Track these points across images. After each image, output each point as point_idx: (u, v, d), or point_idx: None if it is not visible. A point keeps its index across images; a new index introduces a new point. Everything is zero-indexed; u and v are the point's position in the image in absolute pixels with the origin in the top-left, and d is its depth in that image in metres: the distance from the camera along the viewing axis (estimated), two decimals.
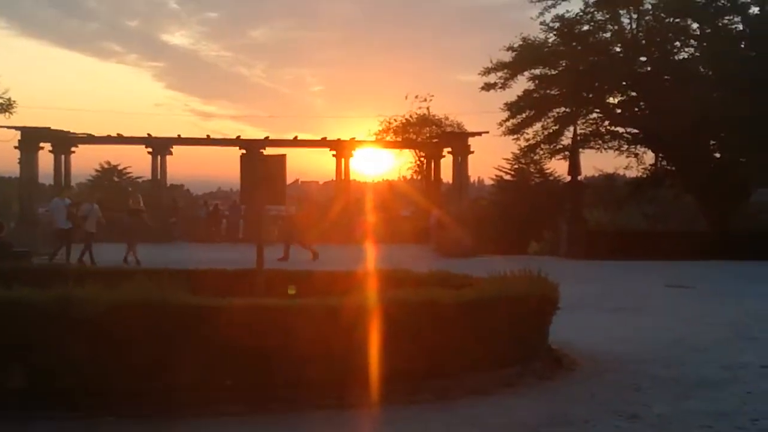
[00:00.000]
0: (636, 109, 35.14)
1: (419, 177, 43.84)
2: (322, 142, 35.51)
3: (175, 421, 6.89)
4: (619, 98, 35.67)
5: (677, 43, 34.48)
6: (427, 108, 43.11)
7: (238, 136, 35.18)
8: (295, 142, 35.12)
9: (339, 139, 35.07)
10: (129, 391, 7.00)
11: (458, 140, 33.10)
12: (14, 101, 35.45)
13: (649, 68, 34.00)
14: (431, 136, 41.23)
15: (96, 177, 55.84)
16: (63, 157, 34.52)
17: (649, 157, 36.20)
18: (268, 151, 24.94)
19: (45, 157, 33.10)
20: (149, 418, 6.90)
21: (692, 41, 34.38)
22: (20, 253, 16.07)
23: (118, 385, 6.99)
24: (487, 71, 34.70)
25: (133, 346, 7.02)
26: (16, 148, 31.77)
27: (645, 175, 36.65)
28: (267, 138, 34.79)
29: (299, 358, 7.35)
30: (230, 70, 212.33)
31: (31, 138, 31.74)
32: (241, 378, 7.35)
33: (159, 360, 7.11)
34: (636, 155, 36.21)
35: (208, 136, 36.10)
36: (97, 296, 7.14)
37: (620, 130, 35.73)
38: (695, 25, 33.74)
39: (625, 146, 35.85)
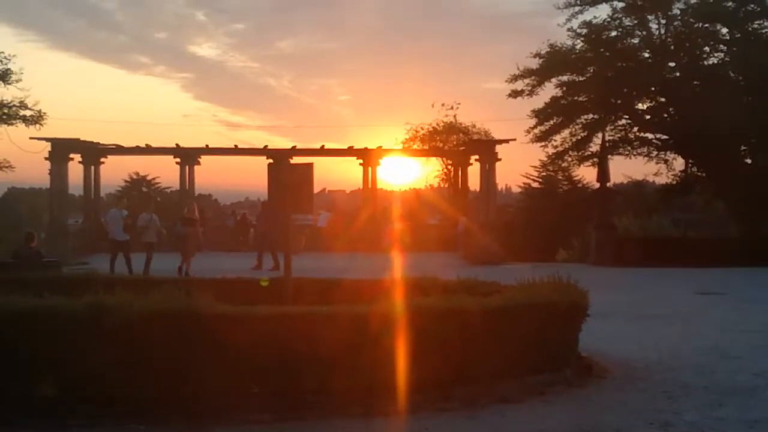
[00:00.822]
0: (665, 115, 34.86)
1: (446, 185, 43.81)
2: (349, 151, 35.57)
3: (203, 428, 6.91)
4: (648, 104, 35.42)
5: (707, 48, 34.20)
6: (454, 116, 43.16)
7: (266, 146, 35.33)
8: (322, 151, 35.21)
9: (366, 148, 35.11)
10: (158, 399, 7.03)
11: (485, 148, 32.98)
12: (44, 113, 36.07)
13: (678, 74, 33.72)
14: (458, 144, 41.21)
15: (125, 187, 56.36)
16: (92, 168, 34.87)
17: (678, 163, 35.91)
18: (295, 160, 25.00)
19: (75, 168, 33.47)
20: (177, 426, 6.92)
21: (722, 46, 34.08)
22: (50, 263, 16.21)
23: (147, 392, 7.02)
24: (514, 78, 34.61)
25: (162, 353, 7.06)
26: (46, 159, 32.14)
27: (675, 182, 36.32)
28: (294, 147, 34.92)
29: (326, 365, 7.33)
30: (257, 80, 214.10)
31: (61, 149, 32.09)
32: (268, 385, 7.35)
33: (187, 367, 7.14)
34: (666, 161, 35.93)
35: (235, 146, 36.31)
36: (127, 304, 7.20)
37: (649, 136, 35.47)
38: (725, 30, 33.45)
39: (655, 152, 35.57)
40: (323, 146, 35.51)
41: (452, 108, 43.19)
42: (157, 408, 7.02)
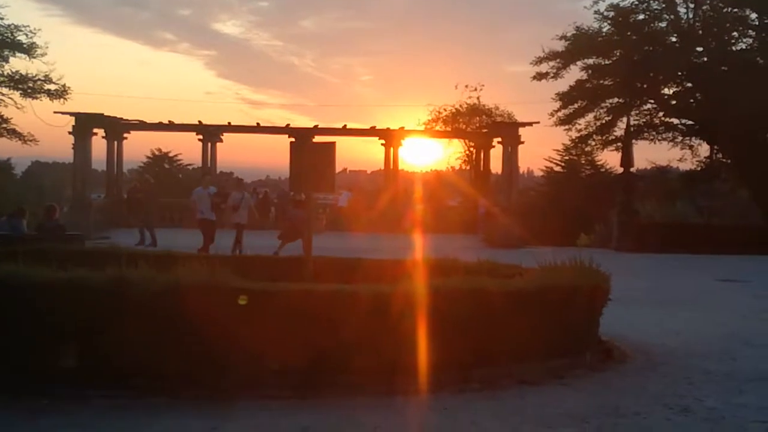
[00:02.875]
0: (691, 101, 34.52)
1: (468, 167, 43.64)
2: (371, 131, 35.52)
3: (225, 403, 6.96)
4: (675, 89, 35.09)
5: (735, 34, 33.79)
6: (477, 98, 42.89)
7: (288, 125, 35.35)
8: (344, 131, 35.16)
9: (388, 129, 35.04)
10: (180, 373, 7.08)
11: (508, 130, 32.80)
12: (69, 87, 36.29)
13: (705, 59, 33.33)
14: (481, 126, 41.01)
15: (147, 163, 56.61)
16: (115, 143, 35.07)
17: (704, 149, 35.62)
18: (317, 139, 24.98)
19: (98, 143, 33.68)
20: (200, 400, 6.97)
21: (750, 31, 33.64)
22: (73, 236, 16.34)
23: (170, 366, 7.07)
24: (539, 61, 34.38)
25: (185, 328, 7.09)
26: (70, 133, 32.35)
27: (699, 168, 36.02)
28: (316, 126, 34.91)
29: (347, 344, 7.34)
30: (280, 59, 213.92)
31: (84, 124, 32.28)
32: (289, 362, 7.38)
33: (208, 342, 7.17)
34: (691, 147, 35.63)
35: (257, 124, 36.42)
36: (151, 278, 7.24)
37: (675, 121, 35.16)
38: (754, 15, 33.00)
39: (680, 138, 35.28)
40: (345, 126, 35.46)
41: (476, 90, 42.93)
42: (178, 381, 7.07)
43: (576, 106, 34.65)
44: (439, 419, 6.78)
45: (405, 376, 7.46)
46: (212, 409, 6.80)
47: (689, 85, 34.33)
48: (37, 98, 36.17)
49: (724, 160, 35.42)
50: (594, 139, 35.95)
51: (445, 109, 43.17)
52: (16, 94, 36.21)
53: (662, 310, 13.72)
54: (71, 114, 32.30)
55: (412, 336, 7.50)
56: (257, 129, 36.58)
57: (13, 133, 37.38)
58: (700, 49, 33.75)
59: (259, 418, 6.62)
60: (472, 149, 40.97)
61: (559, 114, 34.94)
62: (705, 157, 35.74)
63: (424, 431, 6.54)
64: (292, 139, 27.32)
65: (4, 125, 37.11)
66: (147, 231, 23.85)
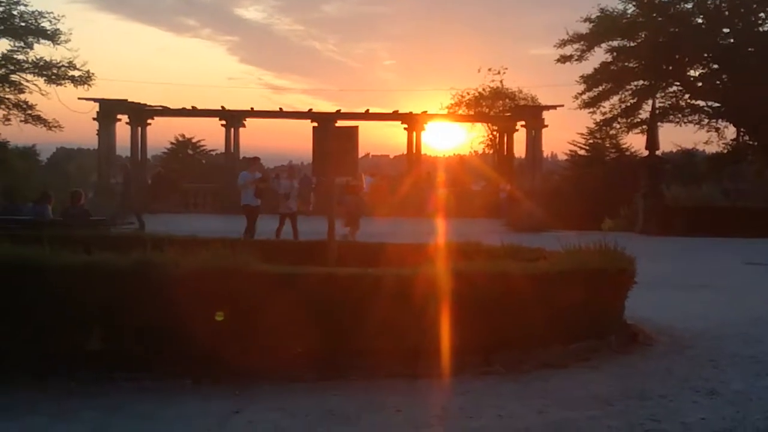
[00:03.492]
0: (718, 82, 34.14)
1: (491, 151, 43.45)
2: (394, 115, 35.45)
3: (249, 385, 6.99)
4: (701, 71, 34.72)
5: (762, 14, 33.30)
6: (501, 81, 42.62)
7: (310, 109, 35.39)
8: (367, 115, 35.12)
9: (411, 113, 34.96)
10: (205, 355, 7.12)
11: (532, 114, 32.64)
12: (93, 74, 36.55)
13: (732, 40, 32.94)
14: (504, 109, 40.77)
15: (170, 149, 56.89)
16: (139, 129, 35.27)
17: (730, 131, 35.26)
18: (340, 124, 24.94)
19: (122, 129, 33.91)
20: (224, 382, 7.01)
21: None
22: (98, 221, 16.46)
23: (194, 349, 7.11)
24: (563, 43, 34.16)
25: (209, 311, 7.13)
26: (94, 119, 32.58)
27: (726, 151, 35.65)
28: (339, 111, 34.94)
29: (371, 327, 7.35)
30: (302, 44, 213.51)
31: (108, 110, 32.51)
32: (313, 345, 7.40)
33: (232, 325, 7.21)
34: (717, 130, 35.28)
35: (280, 109, 36.45)
36: (174, 261, 7.28)
37: (701, 103, 34.81)
38: None
39: (706, 120, 34.93)
40: (368, 110, 35.44)
41: (499, 73, 42.64)
42: (202, 364, 7.11)
43: (600, 88, 34.39)
44: (461, 402, 6.78)
45: (428, 359, 7.46)
46: (236, 392, 6.84)
47: (715, 66, 33.93)
48: (61, 84, 36.52)
49: (750, 142, 35.03)
50: (619, 122, 35.70)
51: (468, 93, 42.98)
52: (40, 81, 36.59)
53: (688, 294, 13.60)
54: (95, 100, 32.54)
55: (434, 319, 7.49)
56: (280, 114, 36.63)
57: (38, 120, 37.73)
58: (726, 30, 33.34)
59: (282, 401, 6.65)
60: (495, 133, 40.75)
61: (584, 97, 34.71)
62: (731, 140, 35.39)
63: (447, 414, 6.53)
64: (315, 124, 27.35)
65: (29, 111, 37.48)
66: (135, 215, 23.80)
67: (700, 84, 34.57)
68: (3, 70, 36.64)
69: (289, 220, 20.62)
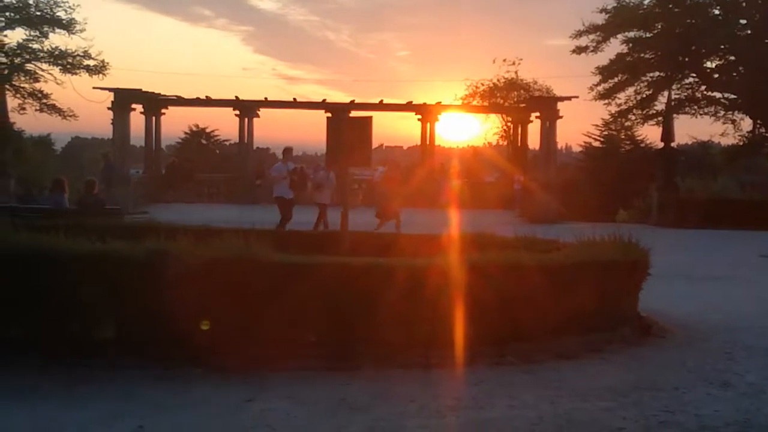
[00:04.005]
0: (734, 74, 33.91)
1: (505, 143, 43.30)
2: (408, 106, 35.38)
3: (261, 374, 7.01)
4: (717, 62, 34.51)
5: None
6: (515, 72, 42.42)
7: (324, 100, 35.36)
8: (381, 106, 35.06)
9: (425, 104, 34.86)
10: (217, 344, 7.13)
11: (547, 105, 32.43)
12: (108, 63, 36.69)
13: (749, 31, 32.70)
14: (519, 100, 40.59)
15: (185, 139, 57.02)
16: (153, 118, 35.33)
17: (746, 123, 35.05)
18: (354, 114, 24.89)
19: (136, 119, 33.98)
20: (236, 371, 7.03)
21: None
22: (112, 210, 16.53)
23: (206, 337, 7.12)
24: (579, 34, 33.99)
25: (222, 300, 7.15)
26: (109, 109, 32.67)
27: (742, 143, 35.43)
28: (353, 102, 34.87)
29: (383, 317, 7.35)
30: (317, 34, 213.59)
31: (123, 100, 32.55)
32: (326, 335, 7.42)
33: (246, 314, 7.22)
34: (733, 122, 35.09)
35: (294, 99, 36.42)
36: (188, 250, 7.30)
37: (717, 95, 34.60)
38: None
39: (722, 112, 34.72)
40: (382, 101, 35.38)
41: (513, 64, 42.44)
42: (216, 353, 7.13)
43: (616, 80, 34.23)
44: (475, 392, 6.77)
45: (441, 349, 7.46)
46: (248, 380, 6.86)
47: (732, 58, 33.70)
48: (76, 74, 36.68)
49: (767, 134, 34.77)
50: (634, 114, 35.55)
51: (482, 84, 42.83)
52: (55, 70, 36.76)
53: (702, 286, 13.55)
54: (110, 90, 32.60)
55: (448, 310, 7.48)
56: (294, 104, 36.61)
57: (53, 109, 37.91)
58: (743, 21, 33.10)
59: (295, 390, 6.66)
60: (509, 124, 40.60)
61: (599, 88, 34.58)
62: (747, 132, 35.18)
63: (459, 404, 6.52)
64: (329, 114, 27.32)
65: (45, 101, 37.65)
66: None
67: (716, 75, 34.35)
68: (18, 59, 36.81)
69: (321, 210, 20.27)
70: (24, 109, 37.61)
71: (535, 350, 7.88)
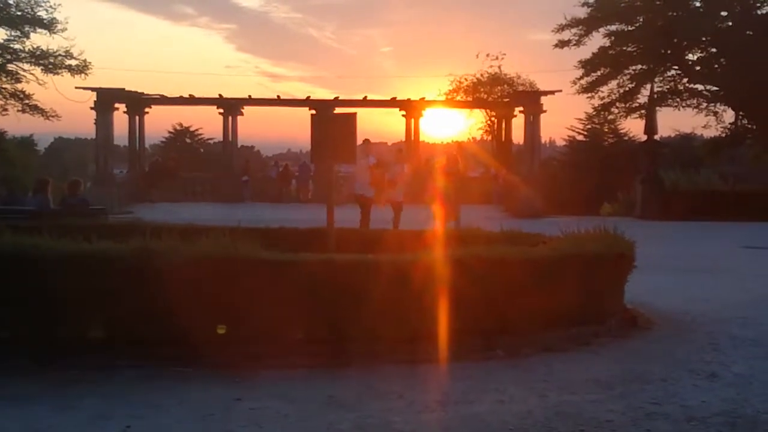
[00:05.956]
0: (716, 66, 34.09)
1: (490, 138, 43.33)
2: (392, 102, 35.41)
3: (250, 372, 6.99)
4: (699, 55, 34.68)
5: None
6: (499, 66, 42.41)
7: (308, 97, 35.33)
8: (365, 102, 35.08)
9: (409, 99, 34.91)
10: (206, 343, 7.12)
11: (530, 99, 32.56)
12: (90, 63, 36.47)
13: (730, 23, 32.88)
14: (502, 95, 40.62)
15: (168, 138, 56.85)
16: (137, 118, 35.21)
17: (728, 115, 35.25)
18: (338, 111, 24.86)
19: (119, 119, 33.82)
20: (225, 369, 7.01)
21: None
22: (96, 210, 16.43)
23: (196, 336, 7.11)
24: (561, 28, 34.06)
25: (209, 298, 7.13)
26: (92, 109, 32.50)
27: (724, 134, 35.66)
28: (337, 98, 34.83)
29: (370, 313, 7.35)
30: (300, 31, 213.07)
31: (106, 99, 32.41)
32: (313, 332, 7.41)
33: (233, 313, 7.22)
34: (715, 114, 35.27)
35: (278, 96, 36.37)
36: (176, 249, 7.27)
37: (699, 87, 34.79)
38: None
39: (704, 104, 34.92)
40: (366, 97, 35.37)
41: (497, 59, 42.40)
42: (206, 351, 7.11)
43: (599, 73, 34.34)
44: (463, 387, 6.78)
45: (428, 344, 7.46)
46: (237, 379, 6.85)
47: (714, 50, 33.87)
48: (58, 74, 36.42)
49: (749, 125, 35.03)
50: (617, 107, 35.67)
51: (466, 79, 42.75)
52: (37, 70, 36.49)
53: (687, 277, 13.64)
54: (92, 89, 32.43)
55: (434, 305, 7.49)
56: (278, 102, 36.56)
57: (36, 109, 37.64)
58: (724, 13, 33.27)
59: (283, 388, 6.65)
60: (493, 119, 40.63)
61: (582, 82, 34.68)
62: (730, 123, 35.36)
63: (448, 399, 6.53)
64: (313, 112, 27.26)
65: (27, 101, 37.39)
66: None
67: (698, 68, 34.51)
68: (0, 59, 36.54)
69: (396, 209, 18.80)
70: (6, 110, 37.41)
71: (523, 344, 7.90)
